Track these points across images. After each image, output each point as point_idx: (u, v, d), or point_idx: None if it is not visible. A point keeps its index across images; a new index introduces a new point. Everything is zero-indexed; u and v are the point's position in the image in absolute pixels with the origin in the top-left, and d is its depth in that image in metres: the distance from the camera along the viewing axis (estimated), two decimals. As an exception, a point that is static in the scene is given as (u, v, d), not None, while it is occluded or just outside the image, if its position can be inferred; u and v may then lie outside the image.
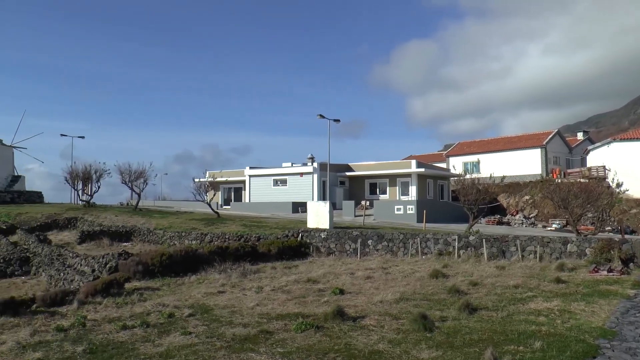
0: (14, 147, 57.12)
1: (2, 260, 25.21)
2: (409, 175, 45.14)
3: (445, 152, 64.03)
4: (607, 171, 43.04)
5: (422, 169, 44.30)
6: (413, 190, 44.53)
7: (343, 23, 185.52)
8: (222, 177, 49.82)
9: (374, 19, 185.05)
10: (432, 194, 47.50)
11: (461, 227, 27.30)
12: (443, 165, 56.48)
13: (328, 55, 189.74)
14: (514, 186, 48.96)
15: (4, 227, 36.15)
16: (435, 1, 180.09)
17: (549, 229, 35.60)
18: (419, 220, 31.75)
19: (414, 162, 45.37)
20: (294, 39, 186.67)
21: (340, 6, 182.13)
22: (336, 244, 23.90)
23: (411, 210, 34.27)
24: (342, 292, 14.00)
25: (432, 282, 15.29)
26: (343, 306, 11.56)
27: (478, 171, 50.25)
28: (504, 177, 31.66)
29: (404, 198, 43.33)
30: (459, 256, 21.12)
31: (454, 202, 41.12)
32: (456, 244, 21.68)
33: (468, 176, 29.71)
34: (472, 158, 57.94)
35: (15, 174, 56.22)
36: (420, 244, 22.33)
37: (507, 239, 21.25)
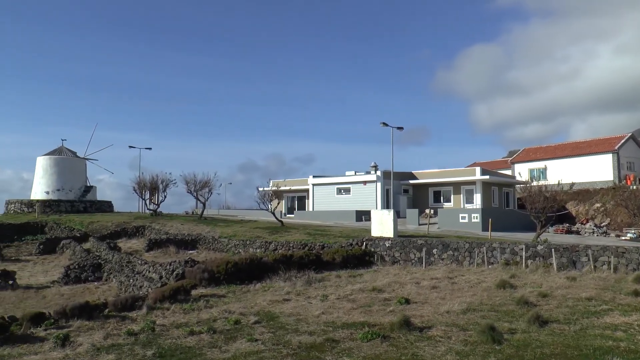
0: (87, 159, 59.69)
1: (76, 267, 26.29)
2: (473, 182, 44.39)
3: (510, 159, 62.51)
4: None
5: (487, 177, 43.47)
6: (477, 198, 43.75)
7: (405, 29, 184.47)
8: (285, 186, 50.37)
9: (436, 24, 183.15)
10: (497, 202, 46.52)
11: (528, 236, 26.66)
12: (508, 172, 55.20)
13: (390, 62, 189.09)
14: (583, 193, 47.23)
15: (78, 235, 37.86)
16: (499, 4, 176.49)
17: (623, 238, 34.19)
18: (484, 228, 31.17)
19: (478, 169, 44.58)
20: (355, 47, 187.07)
21: (401, 12, 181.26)
22: (401, 253, 23.79)
23: (476, 218, 33.68)
24: (407, 301, 13.94)
25: (500, 293, 15.00)
26: (409, 316, 11.52)
27: (545, 178, 48.91)
28: (573, 184, 30.59)
29: (468, 206, 42.62)
30: (526, 266, 20.58)
31: (520, 210, 40.11)
32: (523, 253, 21.17)
33: (534, 183, 28.96)
34: (538, 164, 56.35)
35: (88, 185, 58.64)
36: (486, 253, 21.95)
37: (578, 248, 20.55)
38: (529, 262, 20.85)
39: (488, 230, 28.38)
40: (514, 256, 21.52)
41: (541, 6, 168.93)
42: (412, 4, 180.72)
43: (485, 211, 35.00)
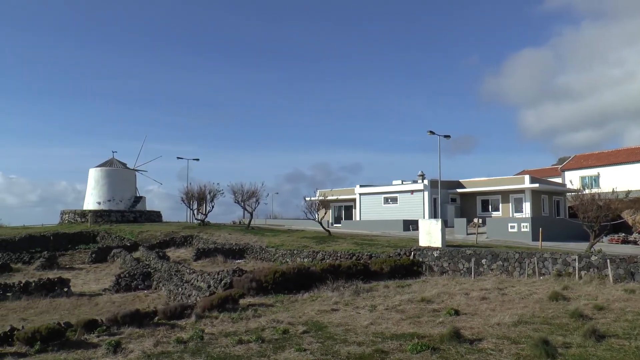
0: (136, 170, 61.11)
1: (127, 275, 26.82)
2: (522, 191, 43.52)
3: (560, 166, 61.04)
4: None
5: (536, 185, 42.55)
6: (527, 206, 42.86)
7: (452, 35, 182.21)
8: (332, 195, 50.42)
9: (484, 30, 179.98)
10: (547, 211, 45.47)
11: (581, 246, 25.93)
12: (558, 180, 53.89)
13: (437, 69, 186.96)
14: (640, 202, 45.68)
15: (128, 244, 38.71)
16: (548, 7, 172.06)
17: (682, 248, 32.90)
18: (534, 238, 30.46)
19: (527, 177, 43.70)
20: (401, 56, 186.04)
21: (448, 19, 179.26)
22: (449, 263, 23.46)
23: (526, 228, 32.94)
24: (457, 312, 13.72)
25: (552, 305, 14.58)
26: (459, 327, 11.36)
27: (597, 186, 47.53)
28: (628, 191, 29.64)
29: (517, 215, 41.79)
30: (580, 277, 19.94)
31: (572, 220, 39.10)
32: (576, 264, 20.53)
33: (587, 191, 28.14)
34: (590, 172, 54.78)
35: (137, 195, 59.92)
36: (537, 264, 21.40)
37: (637, 259, 19.69)
38: (583, 273, 20.22)
39: (538, 240, 27.70)
40: (566, 267, 20.93)
41: (593, 8, 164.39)
42: (460, 10, 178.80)
43: (535, 220, 34.21)
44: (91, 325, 12.64)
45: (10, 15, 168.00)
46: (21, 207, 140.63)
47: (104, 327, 12.74)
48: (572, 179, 49.45)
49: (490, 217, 42.01)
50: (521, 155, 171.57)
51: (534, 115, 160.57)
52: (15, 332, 11.85)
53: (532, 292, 17.11)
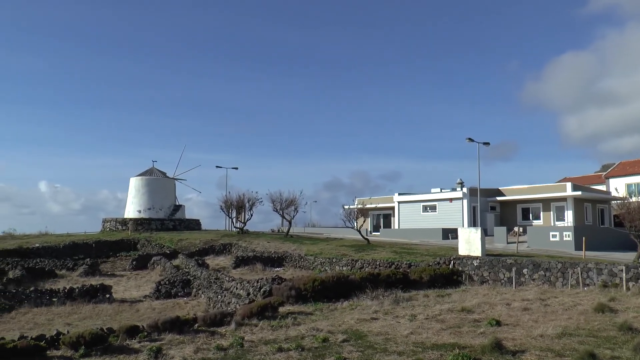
0: (176, 179, 61.95)
1: (167, 282, 27.11)
2: (564, 199, 42.66)
3: (604, 174, 59.61)
4: None
5: (579, 192, 41.64)
6: (569, 215, 41.97)
7: (492, 40, 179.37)
8: (371, 203, 50.26)
9: (525, 34, 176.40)
10: (590, 219, 44.44)
11: (627, 256, 25.23)
12: (602, 187, 52.68)
13: (477, 75, 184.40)
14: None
15: (168, 252, 39.21)
16: (592, 9, 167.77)
17: None
18: (577, 247, 29.79)
19: (569, 184, 42.82)
20: (439, 62, 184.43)
21: (488, 24, 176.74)
22: (489, 272, 23.10)
23: (568, 237, 32.23)
24: (498, 323, 13.46)
25: (598, 317, 14.17)
26: (500, 338, 11.15)
27: (645, 193, 46.31)
28: (677, 200, 28.86)
29: (559, 224, 40.96)
30: (627, 289, 19.35)
31: (618, 229, 38.14)
32: (624, 275, 19.94)
33: (633, 199, 27.44)
34: (637, 179, 53.41)
35: (177, 204, 60.66)
36: (581, 274, 20.90)
37: (686, 270, 19.13)
38: (631, 284, 19.62)
39: (582, 250, 27.09)
40: (612, 278, 20.37)
41: (638, 9, 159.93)
42: (500, 15, 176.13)
43: (578, 229, 33.46)
44: (133, 331, 12.81)
45: (58, 29, 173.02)
46: (65, 216, 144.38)
47: (145, 333, 12.90)
48: (618, 187, 48.37)
49: (531, 225, 41.25)
50: (563, 162, 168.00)
51: (577, 121, 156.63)
52: (61, 337, 12.14)
53: (577, 303, 16.70)
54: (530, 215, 45.42)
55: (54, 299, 23.67)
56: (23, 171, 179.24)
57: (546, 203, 43.99)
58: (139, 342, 12.23)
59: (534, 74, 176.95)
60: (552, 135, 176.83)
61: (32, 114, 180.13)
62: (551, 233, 33.70)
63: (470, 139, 39.63)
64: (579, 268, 21.08)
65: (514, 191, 46.48)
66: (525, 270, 22.39)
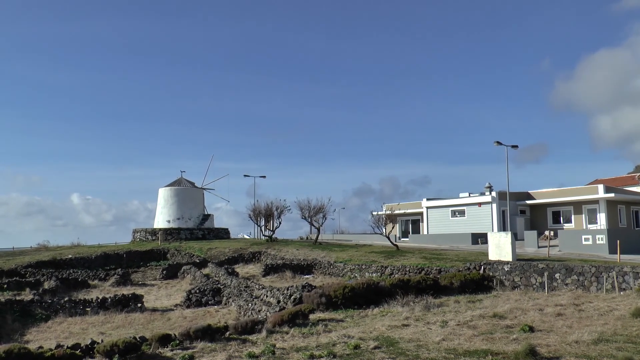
0: (204, 188, 62.53)
1: (197, 291, 27.31)
2: (596, 201, 41.98)
3: (638, 175, 58.48)
4: None
5: (612, 194, 40.91)
6: (601, 218, 41.28)
7: (522, 38, 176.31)
8: (399, 209, 50.11)
9: (556, 31, 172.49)
10: (624, 222, 43.62)
11: (664, 260, 24.66)
12: (636, 189, 51.64)
13: (507, 76, 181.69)
14: None
15: (197, 261, 39.57)
16: (626, 4, 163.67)
17: None
18: (611, 251, 29.23)
19: (601, 186, 42.09)
20: (468, 65, 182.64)
21: (519, 21, 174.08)
22: (521, 278, 22.79)
23: (601, 240, 31.65)
24: (531, 329, 13.26)
25: (636, 323, 13.80)
26: (534, 345, 10.97)
27: (681, 195, 45.27)
28: None
29: (591, 227, 40.30)
30: (665, 292, 18.95)
31: (653, 231, 37.36)
32: (660, 278, 19.53)
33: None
34: (672, 180, 52.32)
35: (206, 213, 61.22)
36: (617, 278, 20.46)
37: None
38: (669, 288, 19.18)
39: (616, 253, 26.57)
40: (649, 281, 19.91)
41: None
42: (530, 12, 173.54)
43: (612, 232, 32.84)
44: (165, 340, 12.95)
45: (86, 44, 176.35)
46: (97, 227, 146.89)
47: (177, 342, 13.03)
48: (652, 188, 47.36)
49: (562, 229, 40.66)
50: (595, 164, 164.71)
51: (609, 120, 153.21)
52: (95, 345, 12.37)
53: (612, 308, 16.34)
54: (561, 218, 44.78)
55: (87, 309, 24.09)
56: (56, 184, 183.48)
57: (577, 206, 43.33)
58: (172, 350, 12.38)
59: (565, 73, 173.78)
60: (583, 136, 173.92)
61: (64, 129, 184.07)
62: (583, 236, 33.14)
63: (499, 142, 39.25)
64: (614, 272, 20.64)
65: (544, 194, 45.90)
66: (557, 275, 22.03)
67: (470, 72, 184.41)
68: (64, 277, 33.10)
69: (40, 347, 12.66)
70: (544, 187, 47.01)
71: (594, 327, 13.30)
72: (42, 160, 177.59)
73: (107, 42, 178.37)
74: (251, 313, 21.76)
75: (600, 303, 17.43)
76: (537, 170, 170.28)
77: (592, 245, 31.85)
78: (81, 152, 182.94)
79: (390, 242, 36.68)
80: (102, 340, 12.95)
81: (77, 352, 11.95)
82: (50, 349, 11.90)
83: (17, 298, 25.45)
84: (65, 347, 12.23)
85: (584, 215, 43.00)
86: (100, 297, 25.43)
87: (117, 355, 11.59)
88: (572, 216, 43.89)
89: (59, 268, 38.08)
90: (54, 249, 49.00)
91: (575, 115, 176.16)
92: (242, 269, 36.02)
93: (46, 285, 30.40)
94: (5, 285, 30.30)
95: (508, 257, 25.34)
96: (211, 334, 13.41)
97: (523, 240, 37.22)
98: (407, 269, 26.39)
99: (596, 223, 41.32)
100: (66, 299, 25.11)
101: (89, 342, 12.85)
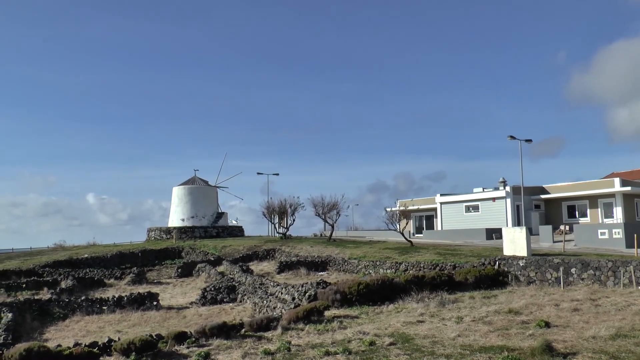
0: (218, 187, 62.79)
1: (212, 289, 27.44)
2: (612, 195, 41.59)
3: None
4: None
5: (628, 188, 40.49)
6: (618, 211, 40.90)
7: (538, 30, 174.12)
8: (413, 205, 50.01)
9: (572, 22, 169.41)
10: (642, 215, 43.20)
11: (683, 254, 24.39)
12: (653, 182, 51.08)
13: (521, 69, 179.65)
14: None
15: (212, 259, 39.73)
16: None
17: None
18: (629, 245, 28.95)
19: (617, 180, 41.65)
20: (482, 58, 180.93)
21: (534, 13, 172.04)
22: (536, 273, 22.66)
23: (618, 234, 31.35)
24: (547, 324, 13.18)
25: (654, 317, 13.76)
26: (550, 340, 10.91)
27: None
28: None
29: (607, 221, 39.95)
30: (683, 286, 18.74)
31: (670, 224, 36.91)
32: (678, 272, 19.31)
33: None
34: (690, 172, 51.73)
35: (220, 211, 61.45)
36: (634, 272, 20.28)
37: None
38: (686, 282, 18.97)
39: (633, 247, 26.33)
40: (667, 275, 19.70)
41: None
42: (546, 4, 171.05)
43: (629, 226, 32.51)
44: (181, 337, 13.05)
45: (101, 45, 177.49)
46: (112, 226, 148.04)
47: (193, 339, 13.12)
48: (670, 181, 46.81)
49: (578, 223, 40.36)
50: (612, 157, 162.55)
51: (627, 113, 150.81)
52: (112, 343, 12.51)
53: (630, 303, 16.19)
54: (577, 212, 44.45)
55: (104, 307, 24.30)
56: (72, 185, 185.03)
57: (593, 200, 42.97)
58: (187, 347, 12.48)
59: (581, 65, 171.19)
60: (600, 129, 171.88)
61: (80, 130, 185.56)
62: (599, 231, 32.86)
63: (512, 137, 39.00)
64: (631, 266, 20.44)
65: (559, 188, 45.56)
66: (573, 270, 21.88)
67: (485, 66, 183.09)
68: (81, 277, 33.41)
69: (59, 345, 12.82)
70: (560, 181, 46.67)
71: (611, 322, 13.20)
72: (58, 161, 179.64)
73: (121, 42, 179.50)
74: (266, 310, 21.84)
75: (618, 298, 17.30)
76: (553, 165, 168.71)
77: (608, 240, 31.57)
78: (96, 152, 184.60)
79: (405, 238, 36.61)
80: (119, 339, 13.08)
81: (95, 350, 12.08)
82: (69, 347, 12.04)
83: (36, 297, 25.74)
84: (83, 345, 12.36)
85: (599, 209, 42.63)
86: (117, 295, 25.65)
87: (134, 353, 11.70)
88: (588, 210, 43.54)
89: (76, 267, 38.49)
90: (70, 248, 49.48)
91: (592, 108, 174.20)
92: (256, 267, 36.14)
93: (63, 285, 30.72)
94: (24, 285, 30.75)
95: (523, 252, 25.20)
96: (227, 331, 13.49)
97: (538, 235, 36.99)
98: (422, 265, 26.36)
99: (612, 217, 40.96)
100: (83, 297, 25.35)
101: (106, 340, 12.99)
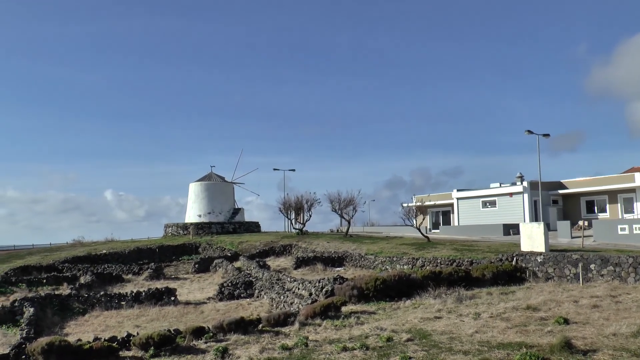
0: (234, 183, 62.93)
1: (229, 284, 27.60)
2: (632, 190, 41.07)
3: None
4: None
5: (649, 182, 40.01)
6: (638, 207, 40.39)
7: (558, 23, 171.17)
8: (429, 200, 49.77)
9: (593, 15, 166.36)
10: (663, 210, 42.62)
11: None
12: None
13: (541, 62, 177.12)
14: None
15: (229, 255, 39.94)
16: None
17: None
18: (649, 241, 28.63)
19: (637, 174, 41.09)
20: (499, 51, 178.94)
21: (554, 6, 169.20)
22: (554, 269, 22.47)
23: (638, 230, 30.96)
24: (566, 321, 13.05)
25: (677, 314, 13.57)
26: (570, 337, 10.80)
27: None
28: None
29: (627, 216, 39.46)
30: None
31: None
32: (699, 268, 19.05)
33: None
34: None
35: (236, 207, 61.58)
36: (654, 268, 20.04)
37: None
38: None
39: (654, 243, 26.04)
40: (688, 272, 19.43)
41: None
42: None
43: (650, 221, 32.11)
44: (199, 332, 13.15)
45: (118, 42, 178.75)
46: (130, 222, 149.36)
47: (211, 334, 13.23)
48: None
49: (597, 219, 39.91)
50: (632, 151, 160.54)
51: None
52: (131, 338, 12.65)
53: (651, 299, 16.02)
54: (595, 208, 44.00)
55: (122, 303, 24.55)
56: (91, 181, 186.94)
57: (612, 195, 42.51)
58: (205, 342, 12.59)
59: (602, 58, 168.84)
60: (620, 123, 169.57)
61: (98, 128, 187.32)
62: (619, 226, 32.45)
63: (530, 131, 38.66)
64: (651, 262, 20.20)
65: (578, 183, 45.12)
66: (592, 266, 21.66)
67: (503, 59, 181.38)
68: (99, 272, 33.76)
69: (79, 339, 12.98)
70: (580, 176, 46.12)
71: (632, 319, 13.01)
72: (77, 158, 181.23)
73: (140, 39, 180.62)
74: (283, 305, 21.91)
75: (639, 294, 17.08)
76: (573, 159, 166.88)
77: (628, 235, 31.17)
78: (114, 149, 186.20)
79: (421, 233, 36.46)
80: (137, 333, 13.21)
81: (114, 344, 12.23)
82: (89, 342, 12.19)
83: (56, 292, 26.14)
84: (102, 340, 12.52)
85: (619, 204, 42.16)
86: (135, 291, 25.89)
87: (152, 348, 11.83)
88: (607, 205, 43.07)
89: (94, 263, 38.89)
90: (89, 244, 49.95)
91: (612, 102, 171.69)
92: (273, 262, 36.23)
93: (82, 280, 31.07)
94: (44, 280, 31.22)
95: (541, 248, 24.97)
96: (244, 326, 13.58)
97: (556, 230, 36.66)
98: (438, 261, 26.26)
99: (633, 212, 40.47)
100: (102, 293, 25.63)
101: (125, 334, 13.14)
